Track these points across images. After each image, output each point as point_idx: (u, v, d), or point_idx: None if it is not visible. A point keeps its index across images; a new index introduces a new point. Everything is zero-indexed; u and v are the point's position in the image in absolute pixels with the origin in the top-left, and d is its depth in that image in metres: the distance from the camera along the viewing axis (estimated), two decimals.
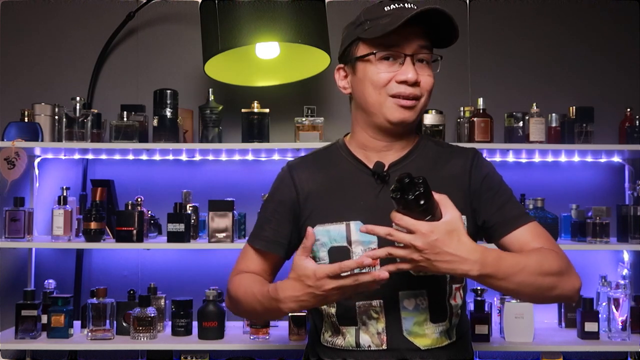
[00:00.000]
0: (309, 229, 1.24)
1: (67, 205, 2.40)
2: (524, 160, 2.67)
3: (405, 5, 1.35)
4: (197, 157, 2.65)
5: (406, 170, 1.39)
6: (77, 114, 2.41)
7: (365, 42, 1.37)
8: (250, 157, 2.63)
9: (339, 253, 1.37)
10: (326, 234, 1.37)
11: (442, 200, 1.20)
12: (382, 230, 1.19)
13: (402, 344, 1.35)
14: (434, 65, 1.40)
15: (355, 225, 1.36)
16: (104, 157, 2.64)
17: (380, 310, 1.36)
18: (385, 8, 1.35)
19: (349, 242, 1.36)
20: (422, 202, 1.15)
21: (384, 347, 1.35)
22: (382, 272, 1.18)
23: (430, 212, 1.17)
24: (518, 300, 2.34)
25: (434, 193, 1.18)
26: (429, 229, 1.16)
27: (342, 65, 1.45)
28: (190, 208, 2.47)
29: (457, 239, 1.18)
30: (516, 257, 1.26)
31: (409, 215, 1.17)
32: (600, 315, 2.39)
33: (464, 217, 1.38)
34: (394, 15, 1.32)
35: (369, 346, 1.36)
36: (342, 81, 1.45)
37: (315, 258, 1.40)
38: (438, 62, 1.40)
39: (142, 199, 2.45)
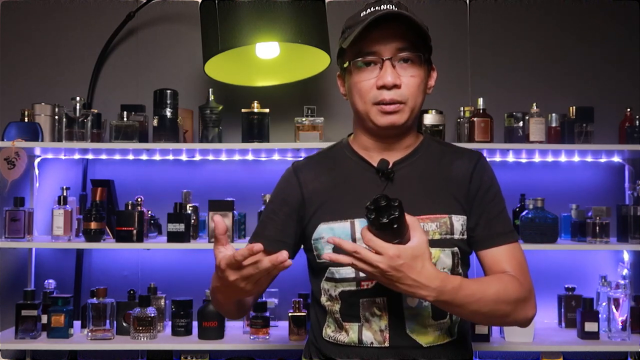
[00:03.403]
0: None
1: (67, 205, 2.40)
2: (524, 160, 2.67)
3: (381, 7, 1.34)
4: (197, 157, 2.65)
5: (412, 168, 1.41)
6: (77, 114, 2.41)
7: (346, 51, 1.38)
8: (250, 157, 2.63)
9: (343, 251, 1.37)
10: (330, 232, 1.37)
11: (413, 223, 1.21)
12: (349, 246, 1.19)
13: (405, 341, 1.35)
14: (429, 63, 1.40)
15: (359, 223, 1.36)
16: (104, 157, 2.64)
17: (384, 307, 1.36)
18: (362, 13, 1.36)
19: (354, 239, 1.36)
20: (395, 226, 1.16)
21: (387, 344, 1.35)
22: (281, 255, 1.14)
23: (401, 235, 1.19)
24: None
25: (405, 215, 1.19)
26: (396, 252, 1.17)
27: (339, 73, 1.47)
28: (190, 208, 2.47)
29: (421, 265, 1.19)
30: (475, 287, 1.27)
31: (379, 235, 1.18)
32: (600, 315, 2.39)
33: (464, 217, 1.39)
34: (365, 20, 1.32)
35: (372, 343, 1.36)
36: (342, 88, 1.47)
37: (320, 255, 1.40)
38: (421, 60, 1.36)
39: (142, 199, 2.45)
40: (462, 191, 1.40)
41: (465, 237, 1.39)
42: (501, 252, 1.38)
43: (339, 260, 1.20)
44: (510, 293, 1.30)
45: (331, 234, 1.37)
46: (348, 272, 1.37)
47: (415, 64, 1.36)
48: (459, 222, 1.38)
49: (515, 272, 1.36)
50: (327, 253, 1.23)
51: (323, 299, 1.43)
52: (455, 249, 1.37)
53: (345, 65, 1.40)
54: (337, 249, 1.37)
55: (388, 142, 1.42)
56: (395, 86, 1.34)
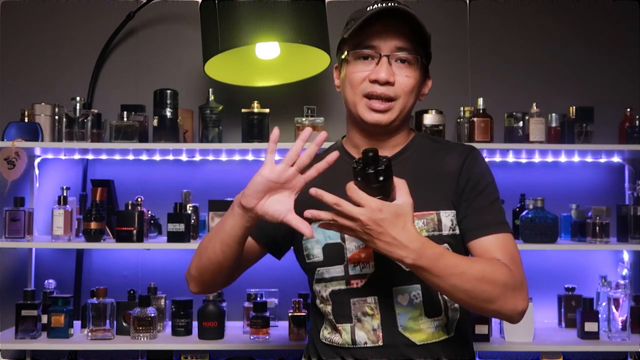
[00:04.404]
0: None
1: (67, 205, 2.40)
2: (524, 160, 2.67)
3: (388, 4, 1.34)
4: (197, 157, 2.65)
5: (401, 166, 1.40)
6: (77, 114, 2.41)
7: (347, 42, 1.39)
8: (250, 157, 2.63)
9: (333, 249, 1.37)
10: (321, 232, 1.37)
11: (400, 184, 1.20)
12: (330, 198, 1.17)
13: (398, 340, 1.35)
14: (424, 66, 1.40)
15: None
16: (104, 157, 2.64)
17: (375, 306, 1.36)
18: (369, 8, 1.37)
19: (343, 238, 1.37)
20: (380, 178, 1.14)
21: (380, 343, 1.35)
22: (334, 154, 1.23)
23: (385, 192, 1.17)
24: None
25: (394, 177, 1.18)
26: (378, 206, 1.15)
27: (337, 65, 1.48)
28: (190, 208, 2.47)
29: (402, 224, 1.17)
30: (458, 260, 1.24)
31: (364, 190, 1.16)
32: (600, 315, 2.39)
33: (453, 211, 1.37)
34: (370, 14, 1.33)
35: (365, 343, 1.36)
36: (336, 80, 1.48)
37: (310, 255, 1.40)
38: (418, 62, 1.37)
39: (142, 199, 2.45)
40: (451, 186, 1.38)
41: (457, 232, 1.37)
42: (491, 241, 1.33)
43: (319, 217, 1.19)
44: (497, 275, 1.25)
45: (322, 233, 1.37)
46: (337, 270, 1.38)
47: (411, 66, 1.37)
48: (447, 217, 1.36)
49: (507, 262, 1.30)
50: (309, 210, 1.21)
51: (317, 301, 1.43)
52: (445, 245, 1.35)
53: (343, 56, 1.40)
54: (328, 249, 1.37)
55: (377, 139, 1.42)
56: (388, 83, 1.35)
